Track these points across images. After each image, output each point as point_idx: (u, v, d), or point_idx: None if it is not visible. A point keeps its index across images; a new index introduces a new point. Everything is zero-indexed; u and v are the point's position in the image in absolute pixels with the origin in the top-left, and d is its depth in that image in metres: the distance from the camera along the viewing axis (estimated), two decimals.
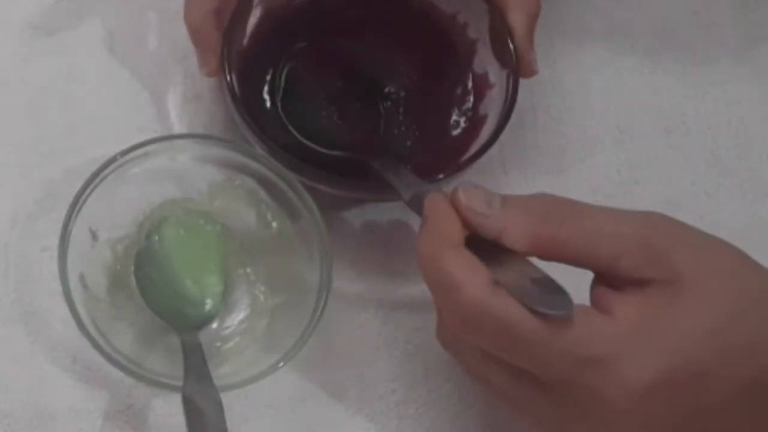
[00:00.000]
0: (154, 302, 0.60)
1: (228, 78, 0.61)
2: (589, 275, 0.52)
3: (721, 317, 0.49)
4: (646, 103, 0.71)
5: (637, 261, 0.49)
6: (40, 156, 0.65)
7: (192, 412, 0.55)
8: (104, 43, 0.67)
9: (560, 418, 0.51)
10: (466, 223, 0.51)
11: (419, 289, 0.65)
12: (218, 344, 0.62)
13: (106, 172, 0.60)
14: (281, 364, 0.58)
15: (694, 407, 0.49)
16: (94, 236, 0.61)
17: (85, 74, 0.66)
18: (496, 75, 0.65)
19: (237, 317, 0.63)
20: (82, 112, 0.66)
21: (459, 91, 0.67)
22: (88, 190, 0.59)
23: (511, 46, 0.63)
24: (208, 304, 0.62)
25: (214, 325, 0.62)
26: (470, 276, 0.49)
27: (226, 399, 0.56)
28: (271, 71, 0.65)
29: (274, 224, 0.63)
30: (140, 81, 0.67)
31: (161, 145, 0.61)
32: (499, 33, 0.64)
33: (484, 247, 0.50)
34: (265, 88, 0.65)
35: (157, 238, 0.62)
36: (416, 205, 0.55)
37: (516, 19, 0.64)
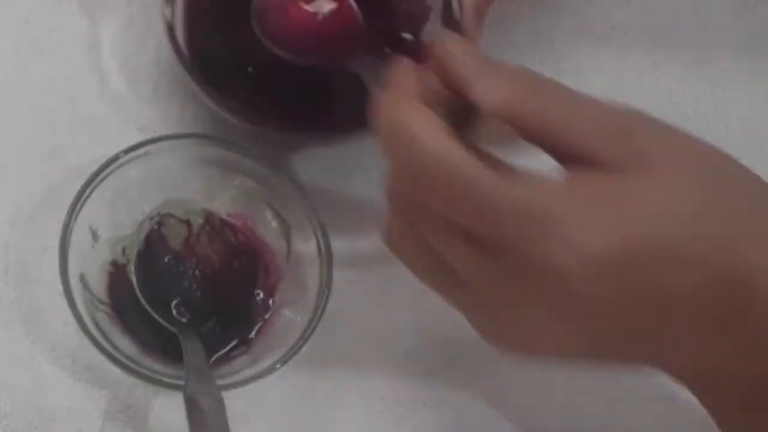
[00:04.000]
0: (154, 302, 0.60)
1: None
2: None
3: (700, 200, 0.45)
4: (646, 103, 0.71)
5: (613, 152, 0.45)
6: (40, 156, 0.65)
7: (194, 411, 0.55)
8: (104, 43, 0.67)
9: (514, 300, 0.47)
10: (438, 71, 0.47)
11: (420, 289, 0.65)
12: None
13: (106, 172, 0.60)
14: (281, 364, 0.58)
15: (651, 295, 0.45)
16: (94, 236, 0.61)
17: (85, 74, 0.66)
18: None
19: None
20: (82, 112, 0.66)
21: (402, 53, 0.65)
22: (88, 190, 0.59)
23: (459, 22, 0.62)
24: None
25: None
26: (426, 125, 0.46)
27: (226, 399, 0.56)
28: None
29: (274, 224, 0.63)
30: (140, 81, 0.67)
31: (161, 145, 0.61)
32: (451, 6, 0.63)
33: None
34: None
35: (157, 237, 0.62)
36: None
37: None
